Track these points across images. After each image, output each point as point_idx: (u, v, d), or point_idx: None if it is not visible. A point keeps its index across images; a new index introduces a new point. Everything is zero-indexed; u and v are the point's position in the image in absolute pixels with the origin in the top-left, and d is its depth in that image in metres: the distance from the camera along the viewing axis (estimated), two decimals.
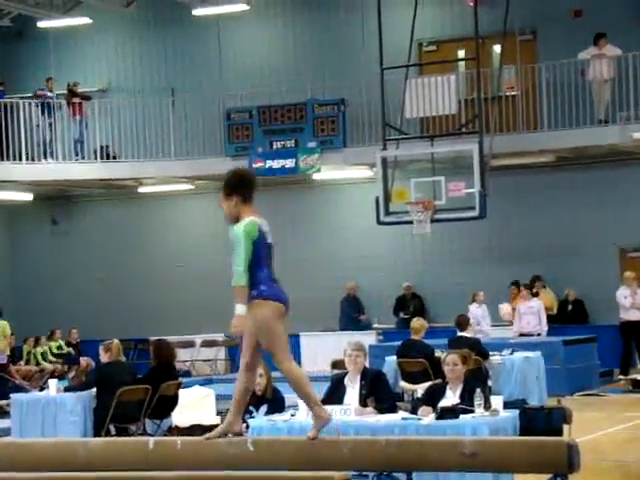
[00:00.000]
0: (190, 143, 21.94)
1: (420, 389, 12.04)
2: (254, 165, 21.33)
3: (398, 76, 19.39)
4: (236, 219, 6.09)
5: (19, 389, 17.21)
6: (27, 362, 20.55)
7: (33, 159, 21.53)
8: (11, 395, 13.55)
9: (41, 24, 23.01)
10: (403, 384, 13.80)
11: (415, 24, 19.31)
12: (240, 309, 5.93)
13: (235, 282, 5.93)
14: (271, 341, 6.01)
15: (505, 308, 20.19)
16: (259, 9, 22.65)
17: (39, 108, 21.62)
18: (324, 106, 21.26)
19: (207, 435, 6.11)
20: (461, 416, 8.53)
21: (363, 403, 9.16)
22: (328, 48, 22.44)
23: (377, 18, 19.06)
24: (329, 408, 8.77)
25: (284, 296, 6.19)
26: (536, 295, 19.47)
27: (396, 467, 6.00)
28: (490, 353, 14.34)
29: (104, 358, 12.64)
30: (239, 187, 6.12)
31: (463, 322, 14.73)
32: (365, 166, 21.01)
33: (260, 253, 6.08)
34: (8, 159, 21.25)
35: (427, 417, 8.66)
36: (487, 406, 8.67)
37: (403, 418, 8.77)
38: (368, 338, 18.87)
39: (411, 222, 18.69)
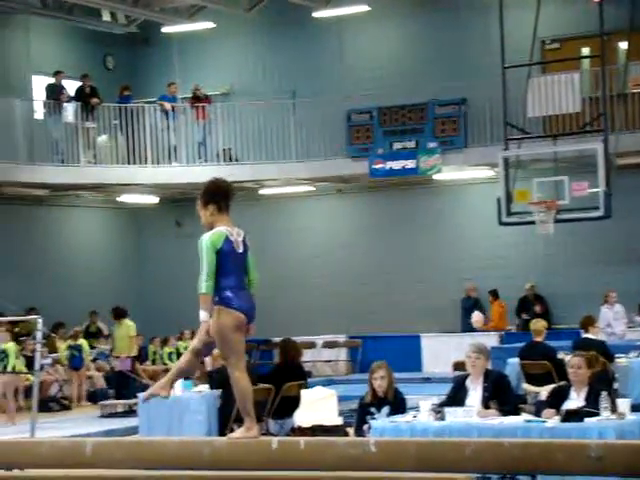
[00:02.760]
0: (311, 145, 22.06)
1: (544, 391, 11.88)
2: (374, 166, 21.35)
3: (520, 75, 19.17)
4: (211, 227, 6.29)
5: (146, 389, 17.51)
6: (153, 362, 20.95)
7: (158, 162, 21.94)
8: (138, 395, 13.83)
9: (166, 30, 23.45)
10: (526, 386, 13.64)
11: (538, 22, 19.06)
12: (203, 316, 6.14)
13: (198, 290, 6.15)
14: (225, 349, 6.18)
15: (476, 316, 20.13)
16: (380, 10, 22.65)
17: (164, 112, 22.03)
18: (445, 106, 21.15)
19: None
20: (586, 419, 8.39)
21: (486, 405, 9.09)
22: (449, 48, 22.31)
23: (499, 17, 18.87)
24: (451, 410, 8.77)
25: (247, 305, 6.23)
26: None
27: (520, 469, 5.94)
28: (616, 355, 14.07)
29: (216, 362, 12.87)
30: (215, 197, 6.30)
31: (587, 323, 14.47)
32: (486, 166, 20.83)
33: (227, 261, 6.21)
34: (134, 163, 21.71)
35: (551, 420, 8.55)
36: (613, 409, 8.52)
37: (526, 420, 8.68)
38: (489, 340, 18.69)
39: (533, 222, 18.45)
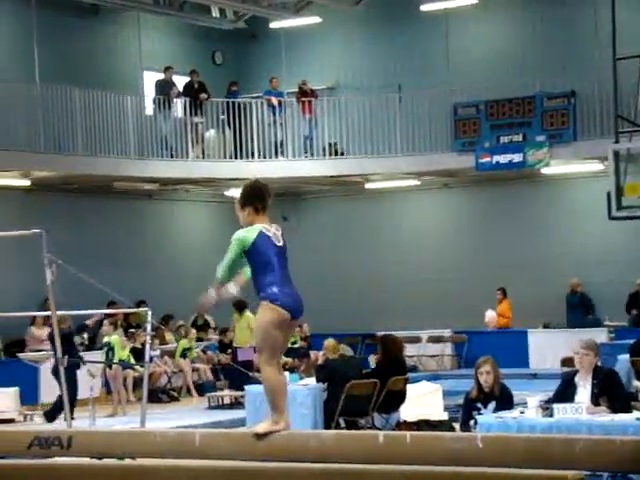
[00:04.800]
0: (417, 139, 21.98)
1: None
2: (481, 160, 21.17)
3: (632, 66, 18.78)
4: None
5: (253, 381, 17.70)
6: None
7: (265, 157, 22.11)
8: (245, 387, 13.97)
9: (273, 25, 23.61)
10: (637, 383, 13.41)
11: None
12: (210, 292, 6.29)
13: (217, 273, 6.29)
14: (262, 344, 6.25)
15: (489, 315, 20.75)
16: (487, 2, 22.46)
17: (270, 107, 22.19)
18: (553, 99, 20.86)
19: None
20: None
21: (595, 402, 8.96)
22: (558, 39, 22.00)
23: (611, 7, 18.51)
24: (560, 406, 8.66)
25: (292, 301, 6.27)
26: None
27: (632, 468, 5.83)
28: None
29: (329, 354, 13.00)
30: (251, 200, 6.50)
31: None
32: (596, 160, 20.51)
33: (265, 258, 6.28)
34: (241, 157, 21.92)
35: None
36: None
37: (638, 418, 8.53)
38: (599, 336, 18.39)
39: None
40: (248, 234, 6.32)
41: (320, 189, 24.55)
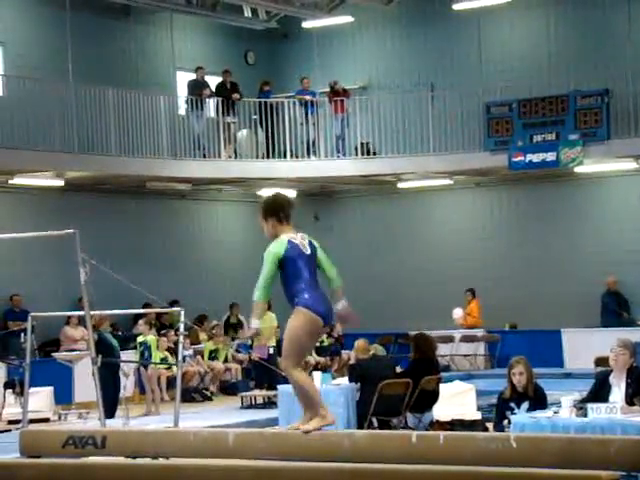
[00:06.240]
0: (449, 138, 21.92)
1: None
2: (514, 159, 21.09)
3: None
4: (275, 237, 6.65)
5: (285, 380, 17.72)
6: None
7: (297, 156, 22.13)
8: (278, 386, 13.97)
9: (306, 24, 23.61)
10: None
11: None
12: (254, 323, 6.55)
13: (254, 297, 6.48)
14: (290, 348, 6.43)
15: (456, 313, 21.23)
16: (520, 1, 22.36)
17: (302, 107, 22.21)
18: (587, 97, 20.74)
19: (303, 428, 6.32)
20: None
21: (630, 402, 8.91)
22: (591, 38, 21.88)
23: None
24: (594, 406, 8.62)
25: (325, 308, 6.50)
26: None
27: None
28: None
29: (359, 355, 13.03)
30: (273, 212, 6.69)
31: None
32: (630, 158, 20.39)
33: (297, 265, 6.51)
34: (274, 157, 21.95)
35: None
36: None
37: None
38: (633, 335, 18.24)
39: None
40: (279, 248, 6.53)
41: (352, 188, 24.53)
